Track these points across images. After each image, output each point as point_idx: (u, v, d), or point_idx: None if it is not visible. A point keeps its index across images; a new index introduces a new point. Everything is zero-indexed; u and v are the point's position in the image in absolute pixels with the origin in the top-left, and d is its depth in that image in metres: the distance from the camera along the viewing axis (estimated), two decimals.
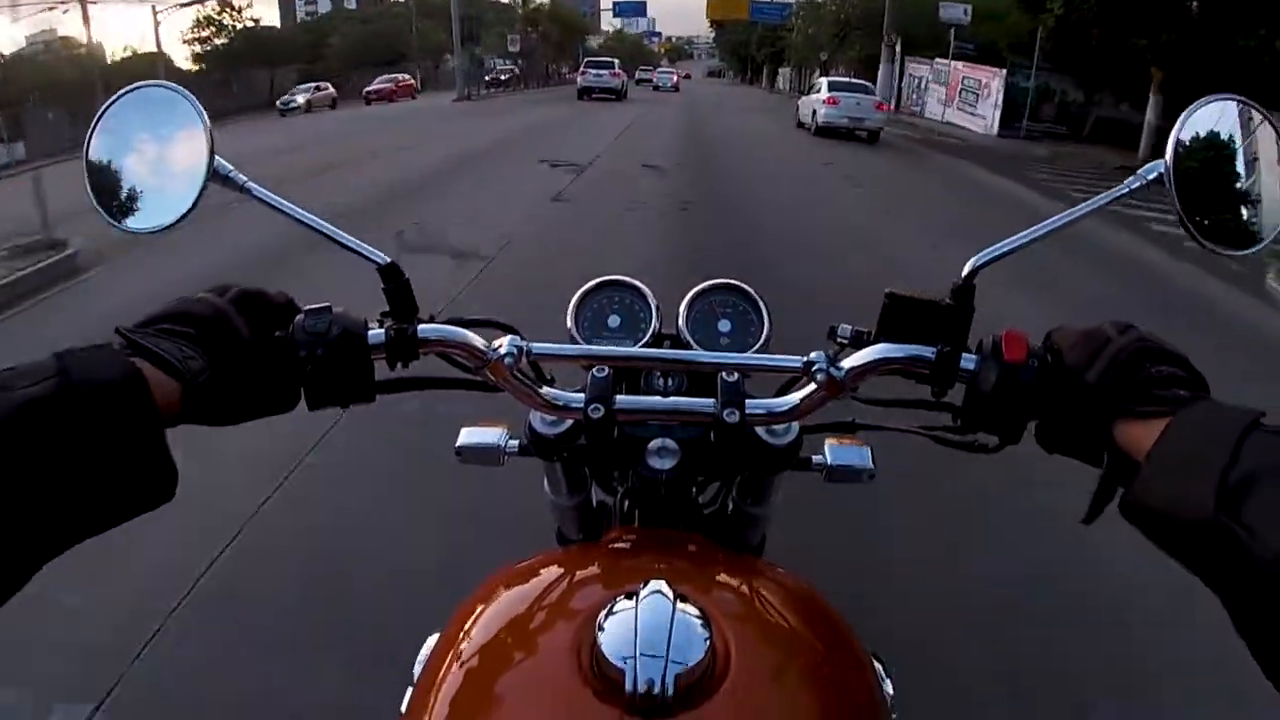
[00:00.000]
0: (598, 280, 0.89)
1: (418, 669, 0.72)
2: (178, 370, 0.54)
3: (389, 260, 0.67)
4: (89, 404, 0.47)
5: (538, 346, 0.69)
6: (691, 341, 0.86)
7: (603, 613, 0.56)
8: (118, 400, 0.48)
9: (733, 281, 0.89)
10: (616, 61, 34.74)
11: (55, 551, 0.46)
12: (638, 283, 0.89)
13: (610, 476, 0.87)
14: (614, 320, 0.87)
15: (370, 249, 0.67)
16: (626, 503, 0.87)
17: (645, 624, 0.54)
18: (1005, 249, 0.66)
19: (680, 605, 0.55)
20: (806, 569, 0.75)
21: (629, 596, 0.57)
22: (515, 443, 0.82)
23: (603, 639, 0.54)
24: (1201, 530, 0.46)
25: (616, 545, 0.82)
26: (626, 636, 0.54)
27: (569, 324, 0.88)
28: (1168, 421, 0.53)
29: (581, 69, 33.53)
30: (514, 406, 0.73)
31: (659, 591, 0.56)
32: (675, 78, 53.30)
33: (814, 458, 0.81)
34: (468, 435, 0.84)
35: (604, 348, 0.80)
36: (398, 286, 0.67)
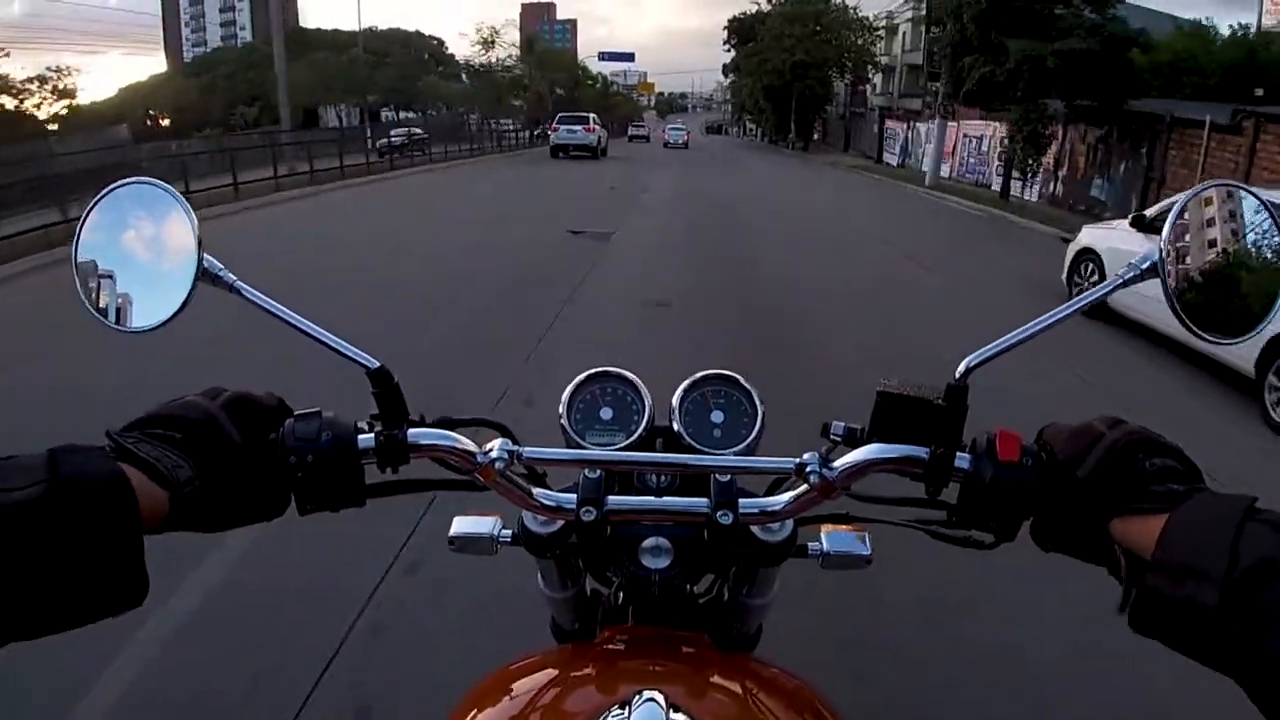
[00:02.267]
0: (590, 372, 0.91)
1: None
2: (167, 480, 0.55)
3: (379, 364, 0.69)
4: (73, 507, 0.48)
5: (528, 451, 0.70)
6: (685, 434, 0.87)
7: None
8: (101, 506, 0.50)
9: (725, 372, 0.91)
10: (592, 116, 32.24)
11: (7, 640, 0.47)
12: (630, 375, 0.91)
13: (605, 570, 0.89)
14: (606, 412, 0.88)
15: (360, 353, 0.69)
16: (620, 595, 0.88)
17: None
18: (998, 349, 0.68)
19: (673, 716, 0.57)
20: None
21: (622, 706, 0.58)
22: (509, 532, 0.83)
23: None
24: (1210, 631, 0.49)
25: (610, 647, 0.83)
26: None
27: (561, 417, 0.89)
28: (1165, 519, 0.55)
29: (553, 124, 31.27)
30: None
31: (653, 700, 0.58)
32: (686, 134, 49.51)
33: (810, 545, 0.83)
34: (460, 525, 0.86)
35: (595, 451, 0.81)
36: (387, 390, 0.69)
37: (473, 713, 0.69)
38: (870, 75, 44.44)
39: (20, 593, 0.46)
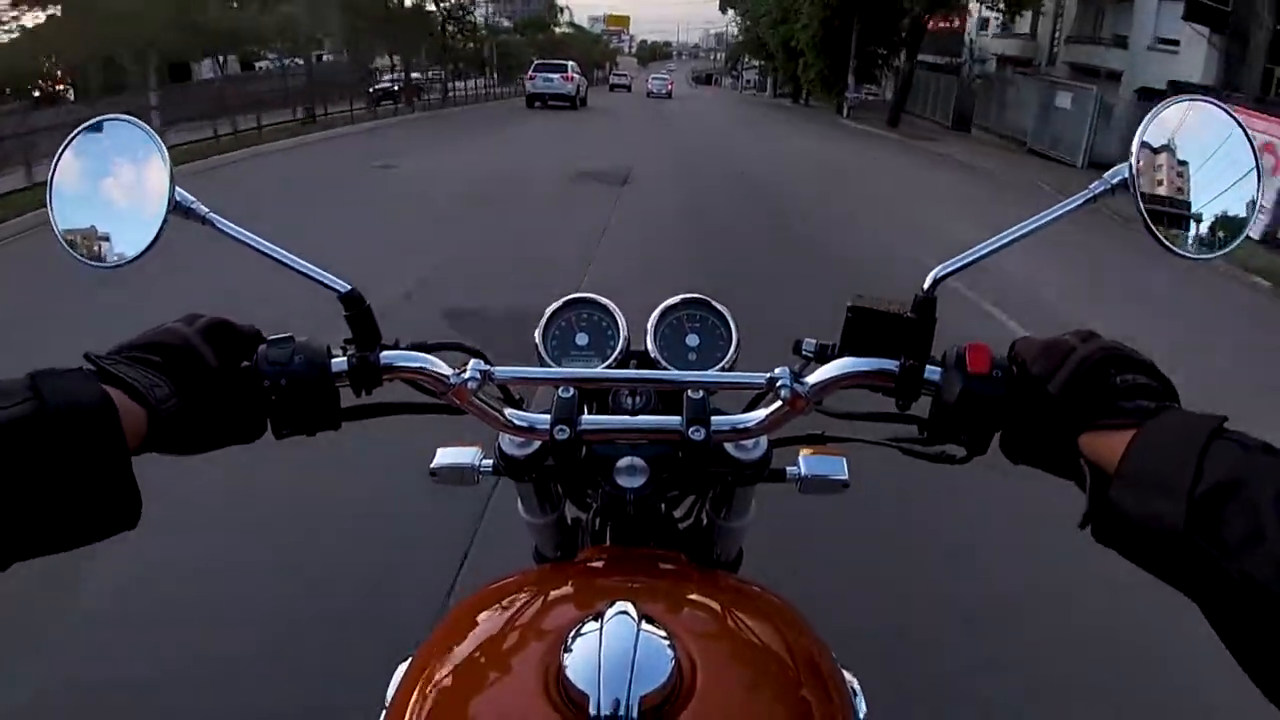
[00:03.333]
0: (565, 299, 0.92)
1: (390, 692, 0.75)
2: (145, 398, 0.57)
3: (350, 288, 0.70)
4: (62, 428, 0.50)
5: (501, 370, 0.72)
6: (660, 358, 0.88)
7: (569, 635, 0.59)
8: (90, 426, 0.51)
9: (701, 296, 0.93)
10: (571, 63, 30.62)
11: (7, 560, 0.49)
12: (605, 300, 0.92)
13: (583, 494, 0.91)
14: (582, 338, 0.90)
15: (331, 277, 0.70)
16: (599, 520, 0.90)
17: (610, 647, 0.57)
18: (965, 260, 0.69)
19: (645, 626, 0.58)
20: None
21: (595, 619, 0.59)
22: (489, 462, 0.85)
23: (568, 662, 0.57)
24: (1175, 548, 0.49)
25: (590, 565, 0.85)
26: (591, 660, 0.56)
27: (537, 343, 0.91)
28: (1134, 434, 0.56)
29: (529, 73, 30.01)
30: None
31: (624, 613, 0.59)
32: (670, 83, 46.75)
33: (788, 469, 0.84)
34: (443, 456, 0.88)
35: (568, 369, 0.83)
36: (359, 313, 0.70)
37: (457, 627, 0.72)
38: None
39: (15, 512, 0.48)
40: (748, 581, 0.82)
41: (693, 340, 0.91)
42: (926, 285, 0.68)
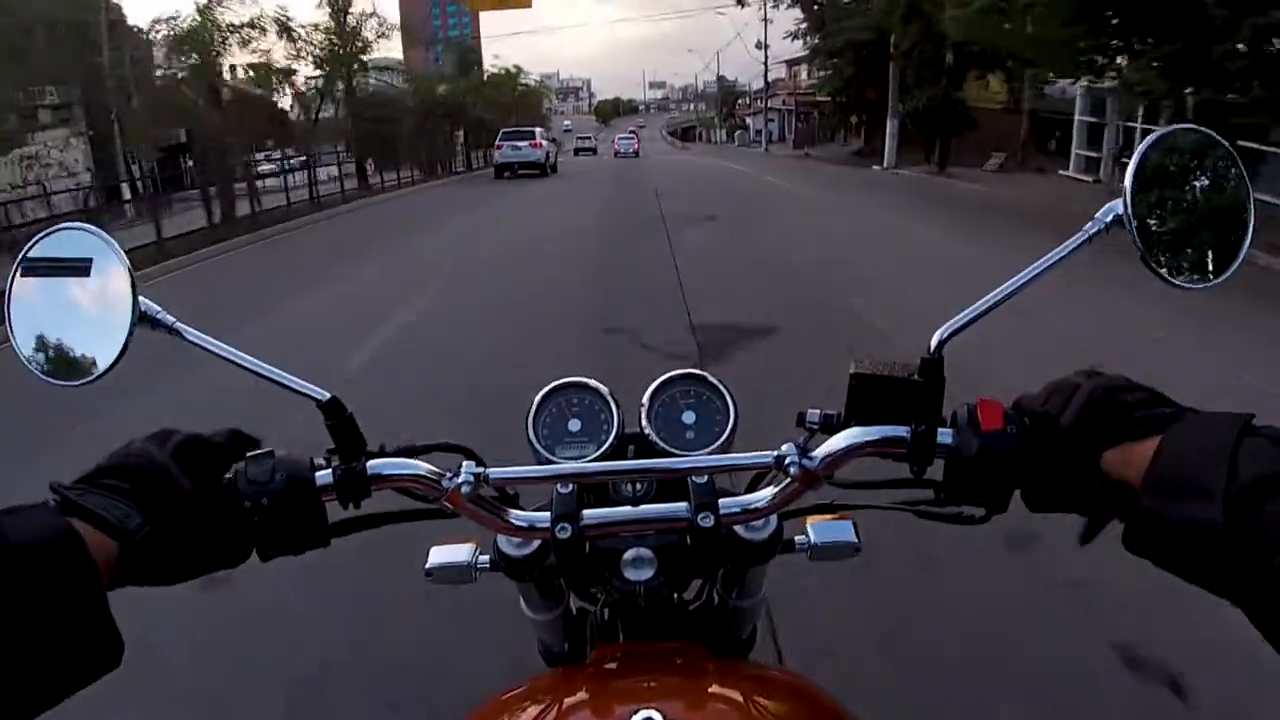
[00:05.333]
0: (553, 384, 0.92)
1: None
2: (115, 529, 0.55)
3: (329, 396, 0.69)
4: (25, 568, 0.48)
5: (495, 471, 0.70)
6: (656, 439, 0.87)
7: None
8: (55, 562, 0.49)
9: (694, 371, 0.92)
10: (539, 129, 30.81)
11: None
12: (595, 383, 0.91)
13: (588, 587, 0.89)
14: (574, 424, 0.89)
15: (310, 386, 0.69)
16: (607, 612, 0.89)
17: None
18: (969, 317, 0.69)
19: None
20: None
21: None
22: (486, 558, 0.84)
23: None
24: (1213, 550, 0.49)
25: (605, 666, 0.83)
26: None
27: (528, 434, 0.89)
28: (1159, 441, 0.56)
29: (497, 143, 29.70)
30: None
31: None
32: (636, 142, 46.06)
33: (797, 538, 0.83)
34: (437, 554, 0.86)
35: (565, 465, 0.82)
36: (341, 422, 0.69)
37: None
38: None
39: None
40: (768, 667, 0.81)
41: (689, 417, 0.89)
42: (932, 346, 0.68)
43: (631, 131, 56.99)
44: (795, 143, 46.65)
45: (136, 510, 0.58)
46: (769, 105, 51.53)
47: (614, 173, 29.48)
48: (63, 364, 0.67)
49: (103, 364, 0.66)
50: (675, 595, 0.87)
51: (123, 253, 0.67)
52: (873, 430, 0.68)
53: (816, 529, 0.84)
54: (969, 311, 0.68)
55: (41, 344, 0.67)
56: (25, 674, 0.47)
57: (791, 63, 48.30)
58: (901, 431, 0.67)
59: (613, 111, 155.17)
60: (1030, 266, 0.69)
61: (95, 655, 0.51)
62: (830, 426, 0.71)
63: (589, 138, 58.89)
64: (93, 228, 0.69)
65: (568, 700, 0.75)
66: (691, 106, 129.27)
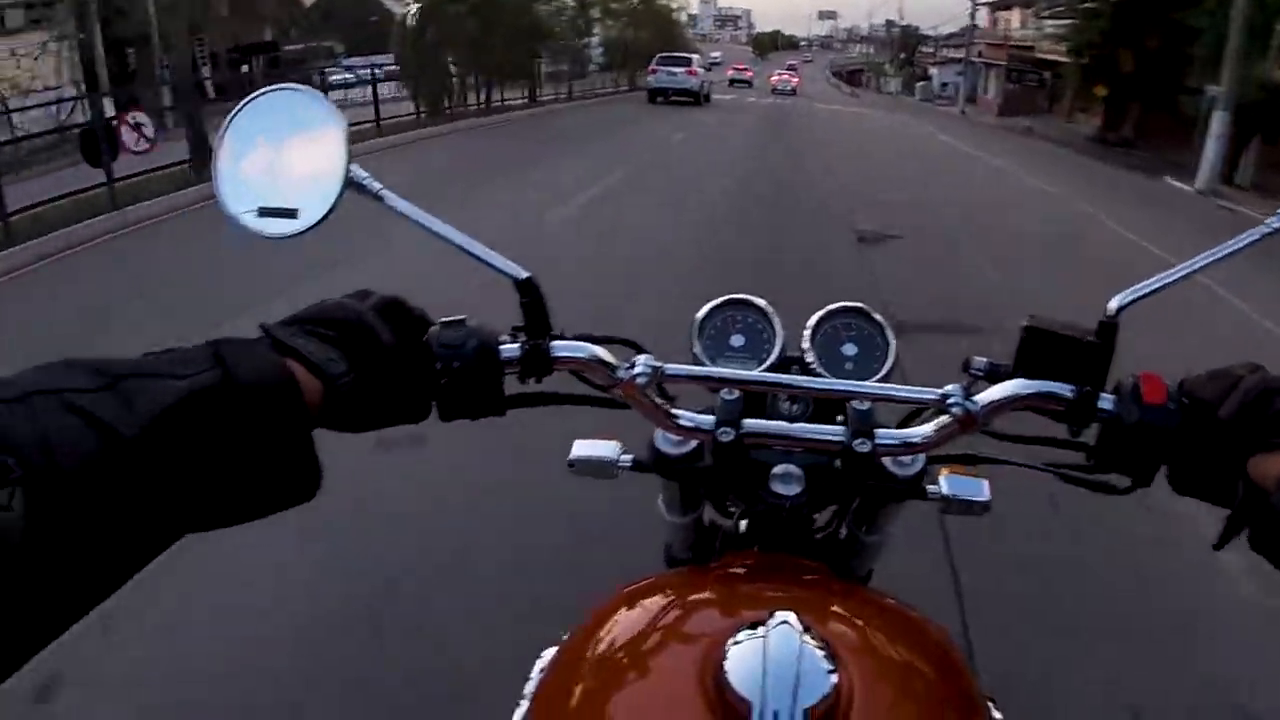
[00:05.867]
0: (721, 299, 0.94)
1: (531, 685, 0.77)
2: (323, 372, 0.59)
3: (527, 275, 0.72)
4: (249, 400, 0.51)
5: (671, 368, 0.73)
6: (817, 365, 0.89)
7: (729, 641, 0.60)
8: (273, 399, 0.53)
9: (859, 305, 0.93)
10: (696, 56, 29.69)
11: (183, 533, 0.50)
12: (762, 302, 0.94)
13: (724, 498, 0.92)
14: (737, 340, 0.92)
15: (508, 263, 0.71)
16: (742, 525, 0.91)
17: (773, 657, 0.58)
18: (1150, 288, 0.70)
19: (807, 639, 0.59)
20: None
21: (754, 626, 0.60)
22: (629, 458, 0.87)
23: (729, 669, 0.58)
24: None
25: (735, 570, 0.86)
26: (754, 668, 0.57)
27: (693, 342, 0.92)
28: None
29: (651, 66, 28.68)
30: (597, 415, 0.78)
31: (787, 623, 0.60)
32: (796, 79, 42.66)
33: (929, 487, 0.84)
34: (581, 448, 0.90)
35: (737, 371, 0.85)
36: (534, 301, 0.71)
37: (605, 624, 0.73)
38: None
39: (197, 482, 0.49)
40: (895, 599, 0.81)
41: (849, 349, 0.91)
42: (1110, 311, 0.69)
43: (791, 66, 55.28)
44: (1001, 108, 34.58)
45: (343, 358, 0.61)
46: (958, 56, 42.17)
47: (768, 119, 24.11)
48: (268, 218, 0.69)
49: (307, 221, 0.68)
50: (814, 518, 0.89)
51: (339, 114, 0.69)
52: (1038, 384, 0.70)
53: (951, 481, 0.85)
54: (1149, 284, 0.70)
55: (247, 197, 0.69)
56: (235, 496, 0.52)
57: (998, 4, 41.14)
58: (1066, 390, 0.69)
59: (771, 45, 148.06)
60: (1207, 253, 0.70)
61: (297, 486, 0.55)
62: (995, 376, 0.73)
63: (746, 69, 56.49)
64: (307, 89, 0.71)
65: (701, 595, 0.79)
66: (859, 49, 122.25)
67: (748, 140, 17.55)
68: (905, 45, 66.71)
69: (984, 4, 41.62)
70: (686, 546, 0.96)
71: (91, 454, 0.44)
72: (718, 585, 0.82)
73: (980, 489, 0.84)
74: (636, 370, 0.70)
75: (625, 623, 0.74)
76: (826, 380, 0.85)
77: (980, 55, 40.01)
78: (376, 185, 0.70)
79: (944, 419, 0.71)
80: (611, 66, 36.23)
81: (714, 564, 0.90)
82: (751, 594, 0.80)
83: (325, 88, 15.02)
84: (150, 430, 0.46)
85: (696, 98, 27.83)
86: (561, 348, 0.71)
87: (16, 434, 0.41)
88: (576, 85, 29.52)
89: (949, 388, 0.70)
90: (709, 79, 30.58)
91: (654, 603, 0.76)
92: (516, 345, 0.70)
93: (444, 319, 0.69)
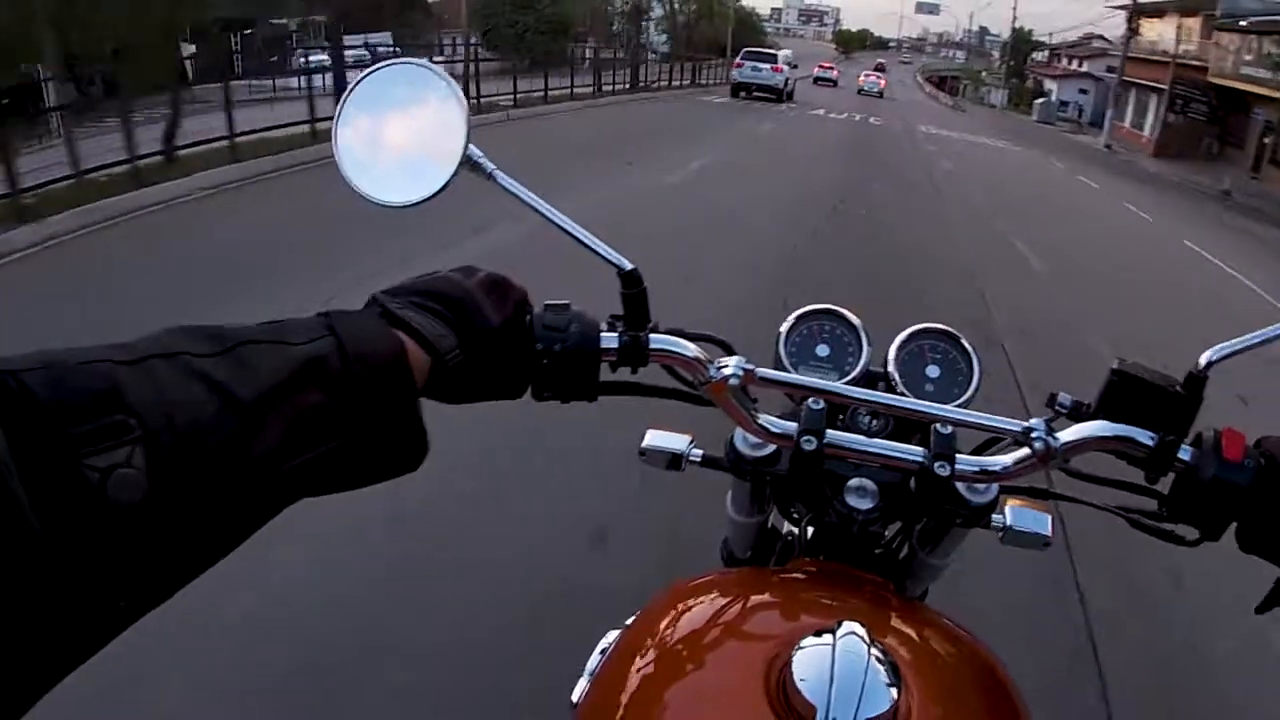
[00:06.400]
0: (809, 308, 0.95)
1: (593, 661, 0.79)
2: (433, 347, 0.60)
3: (632, 266, 0.73)
4: (360, 371, 0.53)
5: (763, 371, 0.74)
6: (900, 383, 0.90)
7: (797, 645, 0.61)
8: (385, 372, 0.54)
9: (947, 328, 0.94)
10: (783, 53, 29.88)
11: (296, 498, 0.52)
12: (850, 314, 0.94)
13: (791, 504, 0.93)
14: (822, 349, 0.93)
15: (614, 254, 0.72)
16: (809, 531, 0.92)
17: (841, 666, 0.59)
18: (1244, 344, 0.71)
19: (874, 652, 0.60)
20: None
21: (819, 634, 0.61)
22: (699, 452, 0.89)
23: (796, 671, 0.59)
24: None
25: (798, 575, 0.87)
26: (821, 675, 0.58)
27: (779, 349, 0.93)
28: None
29: (737, 60, 28.77)
30: (664, 407, 0.80)
31: (854, 634, 0.61)
32: (883, 81, 41.36)
33: (994, 517, 0.85)
34: (653, 438, 0.92)
35: (823, 381, 0.85)
36: (636, 293, 0.73)
37: (665, 613, 0.74)
38: None
39: (308, 448, 0.50)
40: (953, 621, 0.82)
41: (933, 371, 0.92)
42: (1201, 364, 0.70)
43: (879, 66, 54.44)
44: (1159, 146, 26.93)
45: (451, 333, 0.62)
46: (1081, 70, 34.45)
47: (844, 151, 15.91)
48: (383, 186, 0.71)
49: (422, 193, 0.70)
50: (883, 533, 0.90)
51: (461, 93, 0.71)
52: (1120, 427, 0.70)
53: (1015, 513, 0.85)
54: (1243, 340, 0.71)
55: (365, 165, 0.71)
56: (345, 464, 0.53)
57: (1141, 10, 29.43)
58: (1147, 437, 0.70)
59: (858, 43, 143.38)
60: None
61: (404, 455, 0.57)
62: (1078, 414, 0.75)
63: (831, 67, 54.55)
64: (429, 63, 0.73)
65: (768, 597, 0.81)
66: (952, 54, 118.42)
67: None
68: (1016, 51, 58.50)
69: (1122, 7, 32.42)
70: (746, 547, 0.98)
71: (210, 417, 0.45)
72: (782, 588, 0.84)
73: (1044, 523, 0.85)
74: (729, 370, 0.71)
75: (690, 615, 0.75)
76: (914, 401, 0.85)
77: (1109, 70, 32.37)
78: (489, 165, 0.71)
79: (1023, 451, 0.72)
80: (674, 57, 34.50)
81: (775, 567, 0.91)
82: (816, 601, 0.80)
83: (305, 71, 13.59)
84: (266, 395, 0.48)
85: (779, 95, 27.71)
86: (659, 341, 0.72)
87: (137, 396, 0.42)
88: (620, 78, 25.30)
89: (1033, 421, 0.71)
90: (792, 76, 30.20)
91: (718, 599, 0.78)
92: (615, 335, 0.71)
93: (548, 302, 0.70)
